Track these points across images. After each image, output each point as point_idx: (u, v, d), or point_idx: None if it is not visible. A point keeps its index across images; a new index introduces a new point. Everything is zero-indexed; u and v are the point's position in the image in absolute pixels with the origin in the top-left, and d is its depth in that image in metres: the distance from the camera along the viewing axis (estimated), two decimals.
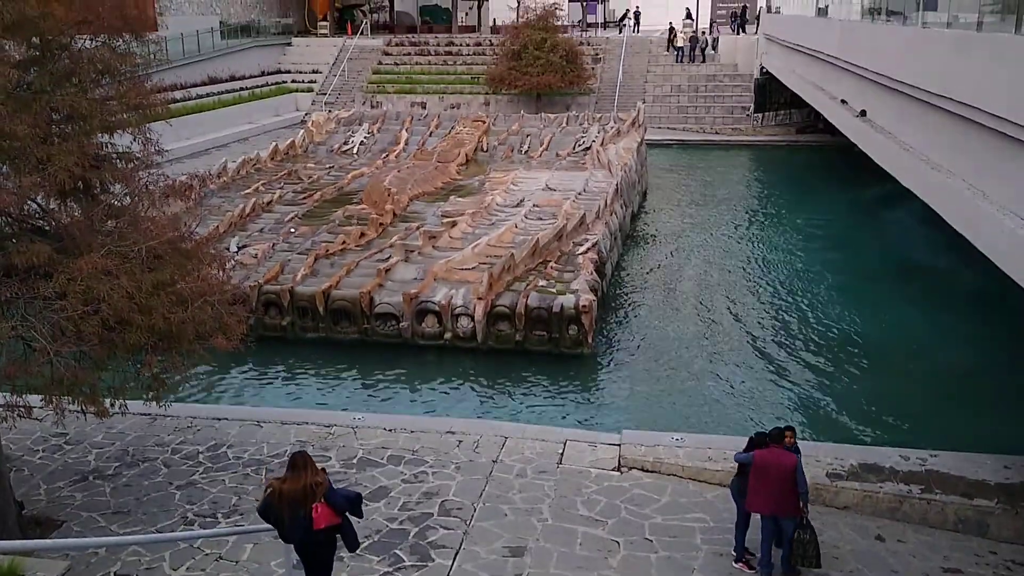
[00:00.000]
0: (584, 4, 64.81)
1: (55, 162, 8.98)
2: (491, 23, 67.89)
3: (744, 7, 56.50)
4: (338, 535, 8.34)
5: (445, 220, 22.98)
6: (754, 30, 52.63)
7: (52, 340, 8.60)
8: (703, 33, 53.36)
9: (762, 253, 25.47)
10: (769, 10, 46.11)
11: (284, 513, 8.06)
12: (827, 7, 28.59)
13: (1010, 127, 11.42)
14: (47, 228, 9.94)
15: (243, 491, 11.44)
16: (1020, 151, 11.38)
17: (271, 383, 16.56)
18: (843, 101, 23.84)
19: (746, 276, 23.21)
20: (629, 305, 20.63)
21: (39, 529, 10.47)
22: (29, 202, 9.65)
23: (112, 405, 9.50)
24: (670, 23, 52.48)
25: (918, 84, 15.63)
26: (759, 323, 19.60)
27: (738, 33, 53.15)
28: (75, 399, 9.03)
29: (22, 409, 9.03)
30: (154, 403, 10.12)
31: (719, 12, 59.22)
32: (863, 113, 21.11)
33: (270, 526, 8.36)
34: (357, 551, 9.03)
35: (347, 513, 8.33)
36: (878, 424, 14.89)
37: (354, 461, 12.20)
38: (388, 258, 19.67)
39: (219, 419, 13.51)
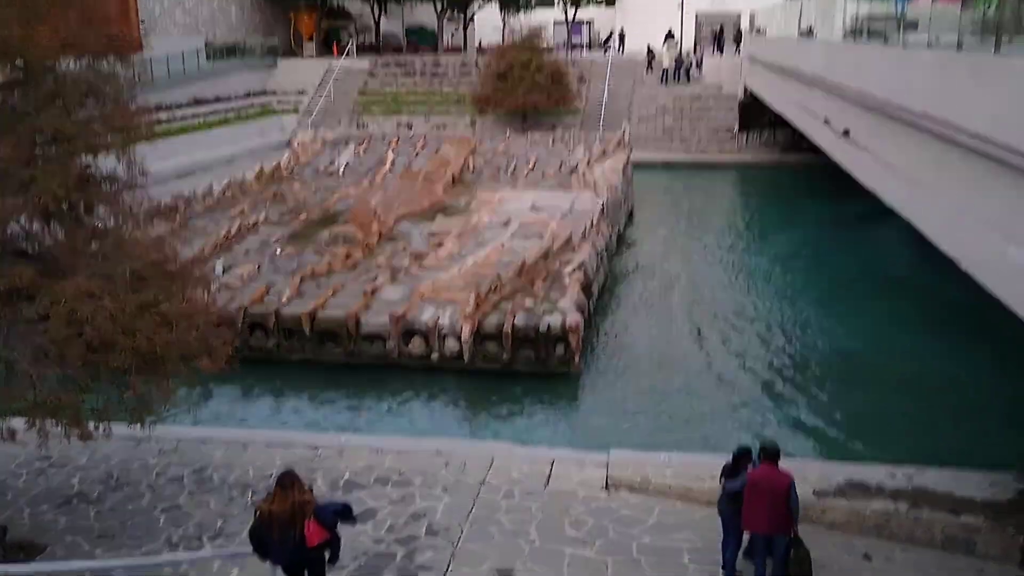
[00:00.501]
0: (569, 26, 65.25)
1: (39, 184, 8.98)
2: (477, 44, 68.25)
3: (721, 27, 56.97)
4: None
5: (432, 240, 23.00)
6: (733, 50, 53.13)
7: (35, 363, 8.56)
8: (688, 54, 53.76)
9: (748, 271, 25.58)
10: (752, 31, 46.52)
11: (275, 534, 8.09)
12: (810, 28, 28.87)
13: (990, 146, 11.54)
14: (30, 250, 9.91)
15: (228, 514, 11.36)
16: (1000, 169, 11.49)
17: (257, 405, 16.49)
18: (826, 121, 24.02)
19: (732, 294, 23.29)
20: (616, 324, 20.66)
21: (23, 553, 10.36)
22: (12, 224, 9.63)
23: (96, 428, 9.46)
24: (647, 44, 52.83)
25: (900, 104, 15.79)
26: (745, 341, 19.66)
27: (718, 53, 53.60)
28: (59, 422, 8.99)
29: (5, 432, 8.99)
30: (138, 425, 10.07)
31: (703, 33, 59.73)
32: (846, 132, 21.27)
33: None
34: (337, 564, 9.00)
35: (340, 523, 8.44)
36: (864, 441, 14.92)
37: (340, 483, 12.14)
38: (375, 279, 19.67)
39: (204, 441, 13.44)
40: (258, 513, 8.24)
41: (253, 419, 15.86)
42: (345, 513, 8.52)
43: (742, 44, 53.13)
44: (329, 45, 63.40)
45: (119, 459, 12.82)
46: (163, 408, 11.46)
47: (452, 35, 69.11)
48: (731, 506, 9.78)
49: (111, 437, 10.25)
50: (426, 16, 67.71)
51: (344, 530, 8.71)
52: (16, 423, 9.14)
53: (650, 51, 51.94)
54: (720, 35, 55.92)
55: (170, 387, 9.97)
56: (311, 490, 8.42)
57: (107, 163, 10.36)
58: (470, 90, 49.71)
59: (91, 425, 9.35)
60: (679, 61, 50.44)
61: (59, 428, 9.09)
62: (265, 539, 8.18)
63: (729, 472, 9.92)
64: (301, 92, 53.99)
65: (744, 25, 53.89)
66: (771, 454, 9.57)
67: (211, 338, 10.11)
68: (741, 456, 9.90)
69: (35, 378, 8.51)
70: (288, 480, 8.24)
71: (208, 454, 13.02)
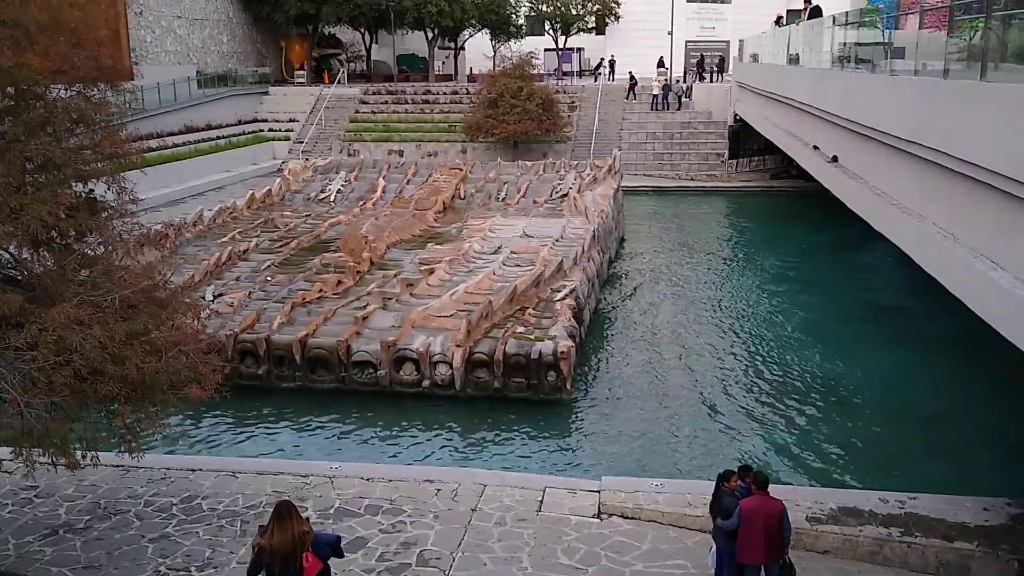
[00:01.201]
0: (559, 53, 65.73)
1: (28, 211, 8.95)
2: (467, 72, 68.71)
3: (702, 56, 57.86)
4: None
5: (423, 267, 22.99)
6: (714, 79, 53.90)
7: (23, 391, 8.49)
8: (677, 81, 54.25)
9: (738, 297, 25.63)
10: (741, 58, 46.98)
11: (276, 567, 8.13)
12: (798, 55, 29.13)
13: (978, 171, 11.63)
14: (19, 277, 9.88)
15: (217, 543, 11.26)
16: (988, 195, 11.58)
17: (247, 433, 16.38)
18: (815, 147, 24.19)
19: (723, 321, 23.31)
20: (607, 351, 20.65)
21: None
22: (1, 251, 9.60)
23: (83, 457, 9.38)
24: (630, 71, 53.31)
25: (888, 130, 15.90)
26: (736, 367, 19.66)
27: (698, 81, 54.32)
28: (46, 451, 8.91)
29: None
30: (126, 454, 10.00)
31: (692, 60, 60.36)
32: (835, 159, 21.41)
33: None
34: None
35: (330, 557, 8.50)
36: (857, 467, 14.91)
37: (331, 511, 12.06)
38: (365, 306, 19.63)
39: (193, 470, 13.35)
40: (257, 549, 8.27)
41: (243, 447, 15.77)
42: (336, 547, 8.58)
43: (724, 72, 54.02)
44: (320, 73, 63.79)
45: (106, 488, 12.72)
46: (152, 436, 11.41)
47: (443, 63, 69.59)
48: (727, 539, 9.71)
49: (98, 466, 10.19)
50: (417, 44, 68.23)
51: (332, 560, 8.67)
52: (2, 452, 9.06)
53: (632, 77, 52.40)
54: (702, 63, 56.70)
55: (159, 415, 9.91)
56: (308, 520, 8.43)
57: (97, 189, 10.35)
58: (461, 117, 50.00)
59: (78, 454, 9.27)
60: (667, 88, 50.90)
61: (46, 457, 9.01)
62: (267, 572, 8.20)
63: (715, 496, 9.89)
64: (292, 120, 54.25)
65: (733, 53, 54.58)
66: (761, 483, 9.57)
67: (201, 366, 10.06)
68: (725, 479, 9.87)
69: (22, 406, 8.44)
70: (286, 510, 8.29)
71: (197, 483, 12.92)
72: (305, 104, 55.44)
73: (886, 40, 18.77)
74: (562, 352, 16.98)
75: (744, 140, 45.86)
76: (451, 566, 10.69)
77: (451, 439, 16.13)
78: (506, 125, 45.74)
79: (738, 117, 45.32)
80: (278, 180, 35.15)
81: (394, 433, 16.27)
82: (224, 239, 26.19)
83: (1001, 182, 10.93)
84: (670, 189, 44.45)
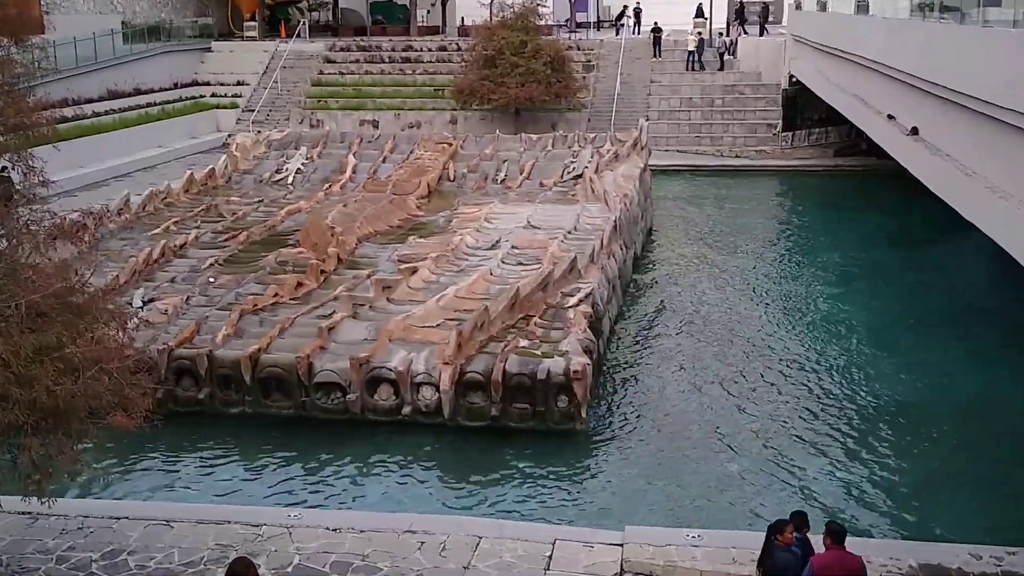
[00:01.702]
0: (573, 0, 65.81)
1: None
2: (458, 23, 68.79)
3: (741, 3, 57.45)
4: None
5: (402, 266, 23.02)
6: (757, 30, 53.72)
7: None
8: (720, 35, 54.16)
9: (792, 302, 25.62)
10: (799, 6, 47.02)
11: None
12: (868, 2, 29.18)
13: None
14: None
15: None
16: None
17: (184, 472, 16.40)
18: (890, 116, 24.22)
19: (772, 331, 23.30)
20: (631, 370, 20.66)
21: None
22: None
23: None
24: (655, 22, 53.18)
25: (980, 95, 15.92)
26: (789, 389, 19.63)
27: (740, 32, 54.20)
28: None
29: None
30: (35, 498, 10.00)
31: (735, 9, 60.39)
32: (915, 131, 21.44)
33: None
34: None
35: None
36: (941, 513, 14.89)
37: (289, 569, 12.07)
38: (332, 314, 19.65)
39: (117, 518, 13.34)
40: None
41: (179, 490, 15.77)
42: None
43: (768, 24, 53.74)
44: (275, 25, 63.78)
45: (10, 540, 12.70)
46: (66, 476, 11.40)
47: (428, 12, 69.62)
48: None
49: (0, 513, 10.19)
50: None
51: None
52: None
53: (656, 28, 52.22)
54: (742, 11, 56.21)
55: (75, 450, 9.92)
56: None
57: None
58: (450, 80, 50.01)
59: None
60: (703, 43, 50.44)
61: None
62: None
63: (765, 551, 9.89)
64: (240, 83, 54.29)
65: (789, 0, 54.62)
66: (837, 535, 9.61)
67: (127, 388, 10.08)
68: (778, 530, 9.88)
69: None
70: (242, 567, 8.32)
71: (122, 534, 12.92)
72: (256, 63, 55.49)
73: None
74: (576, 371, 16.99)
75: (802, 108, 45.88)
76: None
77: (438, 480, 16.15)
78: (506, 89, 45.71)
79: (794, 79, 45.34)
80: (223, 157, 35.22)
81: (367, 472, 16.29)
82: (156, 231, 26.22)
83: None
84: (710, 168, 44.50)
